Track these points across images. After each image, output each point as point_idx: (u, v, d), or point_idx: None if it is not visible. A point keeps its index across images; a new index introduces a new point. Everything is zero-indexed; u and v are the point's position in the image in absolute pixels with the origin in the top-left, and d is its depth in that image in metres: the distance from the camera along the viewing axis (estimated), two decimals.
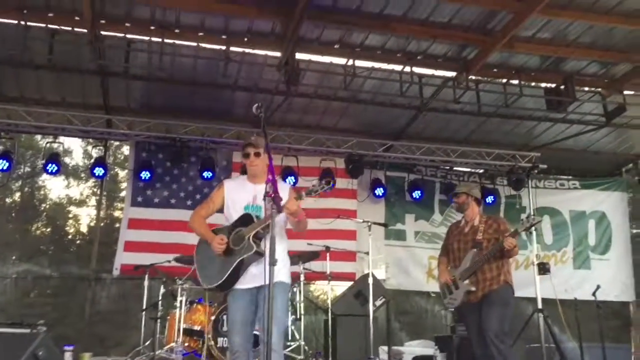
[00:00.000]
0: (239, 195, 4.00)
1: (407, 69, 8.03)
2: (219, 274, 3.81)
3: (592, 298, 8.47)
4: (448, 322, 8.31)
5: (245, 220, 3.85)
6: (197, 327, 6.30)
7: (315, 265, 7.69)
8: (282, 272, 3.80)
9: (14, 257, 17.03)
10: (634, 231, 11.59)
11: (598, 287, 8.52)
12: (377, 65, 8.07)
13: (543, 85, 8.52)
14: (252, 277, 3.79)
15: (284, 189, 3.94)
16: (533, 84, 8.56)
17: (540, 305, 9.22)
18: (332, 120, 9.54)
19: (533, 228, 5.12)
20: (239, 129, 8.71)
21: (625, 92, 8.51)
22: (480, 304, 5.05)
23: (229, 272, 3.78)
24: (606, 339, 8.61)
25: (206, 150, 8.93)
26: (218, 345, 6.18)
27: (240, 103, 8.86)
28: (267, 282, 3.37)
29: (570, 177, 10.88)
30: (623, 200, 10.99)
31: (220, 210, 4.06)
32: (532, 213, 10.05)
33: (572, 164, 10.76)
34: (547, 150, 9.83)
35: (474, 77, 8.25)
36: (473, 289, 5.08)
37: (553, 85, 8.33)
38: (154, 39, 7.33)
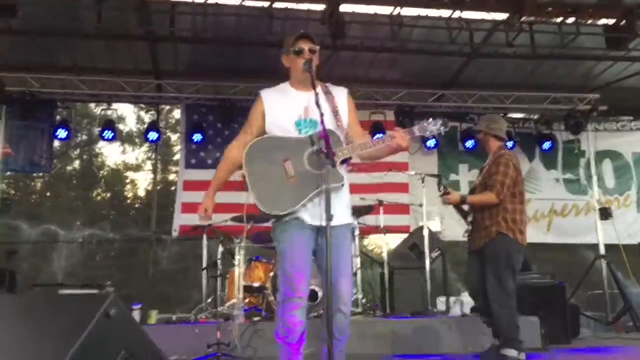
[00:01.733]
0: (284, 108, 3.17)
1: (456, 14, 7.76)
2: (291, 200, 3.01)
3: None
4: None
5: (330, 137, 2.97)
6: (256, 284, 6.43)
7: (369, 220, 7.68)
8: (348, 213, 3.19)
9: (78, 223, 17.76)
10: None
11: None
12: (424, 12, 7.83)
13: (601, 22, 8.08)
14: (318, 213, 2.98)
15: (340, 93, 3.27)
16: (590, 21, 8.12)
17: (602, 251, 9.03)
18: (380, 73, 9.37)
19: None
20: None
21: None
22: (480, 257, 4.80)
23: (306, 199, 3.01)
24: None
25: None
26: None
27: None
28: (338, 224, 2.91)
29: (632, 117, 10.40)
30: None
31: (263, 133, 3.20)
32: (591, 157, 9.74)
33: (634, 104, 10.25)
34: (607, 90, 9.41)
35: (526, 18, 7.88)
36: (464, 236, 4.93)
37: (612, 22, 7.89)
38: (196, 0, 7.31)
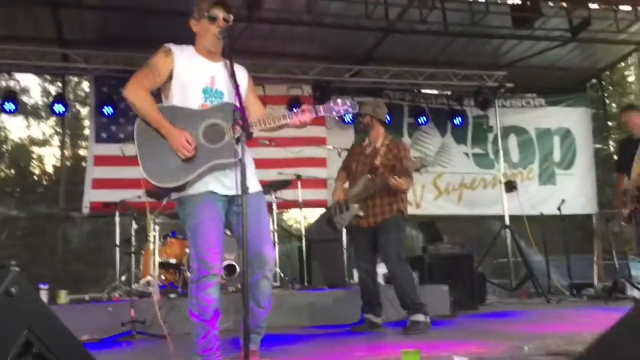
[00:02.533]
0: (193, 71, 3.07)
1: None
2: (182, 173, 2.93)
3: (557, 212, 8.76)
4: (420, 243, 8.51)
5: (227, 112, 2.95)
6: (172, 260, 6.32)
7: (287, 194, 7.70)
8: (256, 182, 3.14)
9: None
10: (597, 146, 11.84)
11: (563, 201, 8.80)
12: None
13: (509, 1, 8.40)
14: (221, 184, 3.01)
15: (241, 71, 3.23)
16: (499, 1, 8.43)
17: (507, 222, 9.52)
18: (297, 47, 9.31)
19: (425, 169, 4.94)
20: None
21: (590, 6, 8.45)
22: (375, 231, 5.03)
23: (198, 172, 2.95)
24: (570, 251, 8.98)
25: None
26: None
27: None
28: (251, 192, 2.87)
29: (535, 94, 10.95)
30: (587, 116, 11.17)
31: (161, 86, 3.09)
32: (498, 132, 10.19)
33: (538, 82, 10.80)
34: (513, 68, 9.81)
35: None
36: (361, 214, 5.04)
37: (519, 2, 8.22)
38: None
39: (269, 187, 7.25)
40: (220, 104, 3.05)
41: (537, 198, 10.34)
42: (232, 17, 3.13)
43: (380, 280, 7.22)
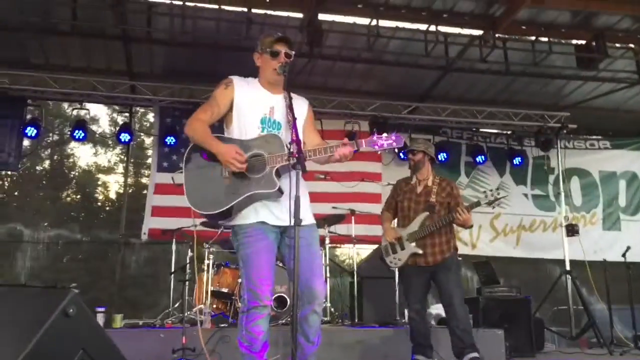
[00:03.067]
0: (253, 101, 3.15)
1: (432, 28, 7.88)
2: (221, 200, 2.98)
3: (622, 259, 8.37)
4: (475, 285, 8.30)
5: (271, 143, 3.03)
6: (224, 289, 6.38)
7: (340, 229, 7.70)
8: (310, 214, 3.14)
9: (45, 224, 17.43)
10: None
11: (628, 248, 8.41)
12: (401, 24, 7.93)
13: (573, 42, 8.28)
14: (273, 215, 3.05)
15: (302, 103, 3.32)
16: (563, 41, 8.31)
17: (568, 267, 9.17)
18: (356, 83, 9.44)
19: (497, 202, 4.84)
20: None
21: None
22: (434, 270, 4.97)
23: (236, 202, 2.99)
24: (635, 301, 8.53)
25: None
26: None
27: None
28: (304, 224, 2.86)
29: (600, 137, 10.64)
30: None
31: (223, 117, 3.22)
32: (560, 174, 9.92)
33: (603, 124, 10.50)
34: (576, 109, 9.61)
35: (501, 35, 8.03)
36: (420, 252, 4.97)
37: (584, 42, 8.08)
38: (175, 2, 7.28)
39: (323, 221, 7.26)
40: (266, 135, 3.11)
41: (600, 244, 9.93)
42: (293, 52, 3.24)
43: (432, 321, 7.10)
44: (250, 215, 3.05)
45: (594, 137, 10.66)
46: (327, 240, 7.32)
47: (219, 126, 3.28)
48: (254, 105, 3.17)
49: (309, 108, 3.39)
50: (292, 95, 3.13)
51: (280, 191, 2.95)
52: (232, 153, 2.96)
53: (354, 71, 9.07)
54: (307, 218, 3.07)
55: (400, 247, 5.13)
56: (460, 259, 5.27)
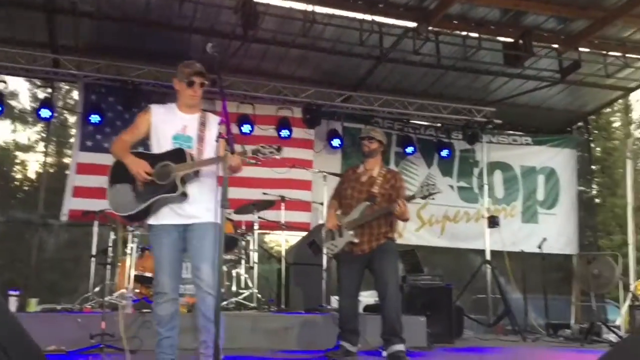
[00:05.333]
0: (167, 123, 3.70)
1: (368, 17, 7.89)
2: (133, 204, 3.58)
3: (538, 251, 8.78)
4: (400, 272, 8.45)
5: (177, 155, 3.56)
6: (148, 274, 6.20)
7: (269, 215, 7.66)
8: (212, 212, 3.56)
9: None
10: (580, 188, 11.94)
11: (544, 240, 8.83)
12: (337, 12, 7.90)
13: (501, 39, 8.51)
14: (177, 215, 3.60)
15: (213, 121, 3.72)
16: (492, 37, 8.53)
17: (488, 257, 9.52)
18: (290, 69, 9.37)
19: (431, 197, 4.97)
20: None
21: (581, 49, 8.60)
22: (368, 258, 5.01)
23: (145, 205, 3.57)
24: (548, 291, 8.98)
25: (159, 95, 8.60)
26: None
27: (195, 47, 8.53)
28: (197, 222, 3.54)
29: (522, 133, 11.06)
30: (572, 157, 11.26)
31: (146, 139, 3.75)
32: (484, 168, 10.26)
33: (526, 120, 10.93)
34: (502, 105, 9.93)
35: (434, 29, 8.16)
36: (356, 240, 5.00)
37: (511, 40, 8.34)
38: None
39: (252, 206, 7.20)
40: (175, 149, 3.60)
41: (519, 235, 10.36)
42: (208, 82, 3.74)
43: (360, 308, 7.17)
44: (158, 217, 3.62)
45: (517, 132, 11.08)
46: (256, 226, 7.27)
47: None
48: (168, 125, 3.68)
49: (218, 127, 3.66)
50: (207, 115, 3.77)
51: (184, 195, 3.53)
52: (138, 166, 3.54)
53: (289, 56, 9.00)
54: (205, 216, 3.57)
55: (338, 234, 5.13)
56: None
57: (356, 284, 5.15)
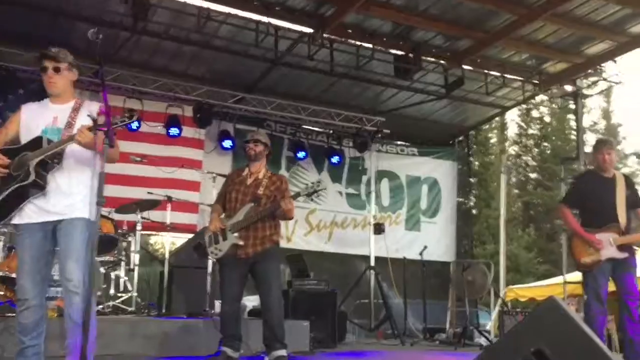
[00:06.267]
0: (38, 118, 3.49)
1: (264, 19, 7.84)
2: None
3: (419, 258, 9.12)
4: (286, 277, 8.46)
5: (35, 143, 3.34)
6: (14, 275, 5.72)
7: (155, 215, 7.37)
8: (82, 207, 3.35)
9: None
10: (459, 199, 12.59)
11: (425, 247, 9.20)
12: (233, 11, 7.77)
13: (393, 51, 8.78)
14: (45, 211, 3.35)
15: (91, 107, 3.48)
16: (384, 49, 8.78)
17: (372, 263, 9.76)
18: (183, 66, 9.11)
19: (316, 194, 5.03)
20: (78, 63, 7.95)
21: (465, 67, 9.07)
22: (253, 261, 4.94)
23: (2, 196, 3.34)
24: (427, 296, 9.35)
25: (38, 83, 8.02)
26: None
27: (81, 35, 8.00)
28: (66, 218, 3.31)
29: (409, 143, 11.46)
30: (453, 169, 11.83)
31: (15, 136, 3.53)
32: (372, 176, 10.53)
33: (413, 131, 11.33)
34: (391, 116, 10.23)
35: (329, 36, 8.27)
36: (241, 243, 4.92)
37: (402, 53, 8.63)
38: None
39: (135, 205, 6.89)
40: (32, 139, 3.38)
41: (402, 242, 10.71)
42: (63, 64, 3.52)
43: (244, 313, 7.07)
44: (22, 216, 3.36)
45: (404, 143, 11.47)
46: (139, 227, 6.95)
47: None
48: (37, 120, 3.47)
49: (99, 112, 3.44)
50: (86, 102, 3.58)
51: (37, 184, 3.28)
52: None
53: (182, 53, 8.73)
54: (73, 212, 3.33)
55: (222, 237, 5.00)
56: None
57: (239, 288, 5.05)
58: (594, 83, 10.05)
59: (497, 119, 18.68)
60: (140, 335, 5.47)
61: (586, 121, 31.41)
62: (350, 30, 8.32)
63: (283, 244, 9.44)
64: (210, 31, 7.94)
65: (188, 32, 7.96)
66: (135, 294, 6.63)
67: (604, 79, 9.55)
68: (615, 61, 8.85)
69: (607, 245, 5.10)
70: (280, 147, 10.14)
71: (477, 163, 24.23)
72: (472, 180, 15.70)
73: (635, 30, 8.11)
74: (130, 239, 6.89)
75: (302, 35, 8.19)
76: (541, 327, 2.57)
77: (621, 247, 5.13)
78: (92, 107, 3.46)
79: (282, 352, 4.81)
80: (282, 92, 9.67)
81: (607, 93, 32.10)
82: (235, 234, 4.94)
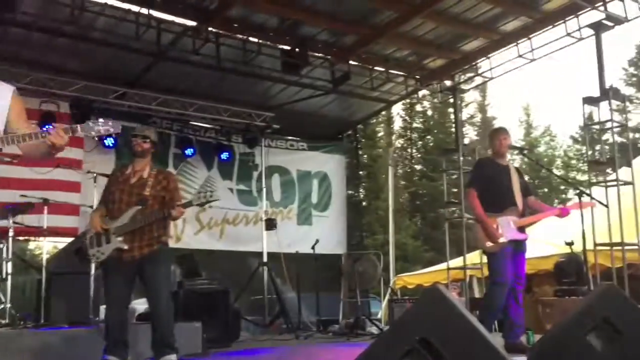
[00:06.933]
0: None
1: (145, 11, 7.51)
2: None
3: (312, 251, 9.22)
4: (177, 278, 8.22)
5: None
6: None
7: (30, 220, 6.87)
8: None
9: None
10: (349, 192, 12.86)
11: (317, 241, 9.30)
12: (110, 1, 7.39)
13: (280, 46, 8.76)
14: None
15: (6, 91, 3.10)
16: (271, 44, 8.73)
17: (265, 259, 9.73)
18: (58, 59, 8.52)
19: (208, 205, 4.96)
20: None
21: (351, 62, 9.24)
22: (140, 264, 4.74)
23: None
24: (320, 289, 9.46)
25: None
26: None
27: None
28: None
29: (299, 138, 11.52)
30: (342, 163, 12.05)
31: None
32: (263, 171, 10.48)
33: (302, 126, 11.39)
34: (280, 111, 10.22)
35: (214, 30, 8.10)
36: (126, 247, 4.70)
37: (289, 48, 8.63)
38: None
39: (5, 210, 6.38)
40: None
41: (295, 237, 10.76)
42: None
43: (132, 318, 6.77)
44: None
45: (294, 138, 11.51)
46: (12, 232, 6.44)
47: None
48: None
49: (13, 96, 3.11)
50: None
51: None
52: None
53: (55, 46, 8.16)
54: None
55: (105, 240, 4.73)
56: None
57: (125, 291, 4.82)
58: (470, 78, 10.61)
59: (383, 113, 19.33)
60: (16, 350, 5.09)
61: (465, 114, 33.30)
62: (236, 25, 8.19)
63: (172, 243, 9.15)
64: (86, 23, 7.50)
65: (61, 24, 7.47)
66: (8, 305, 6.16)
67: (479, 74, 10.09)
68: (488, 57, 9.37)
69: (509, 227, 5.44)
70: (167, 144, 9.82)
71: (365, 156, 24.95)
72: (361, 173, 16.14)
73: (506, 28, 8.63)
74: (1, 246, 6.37)
75: (186, 29, 7.95)
76: (425, 315, 2.65)
77: (521, 229, 5.51)
78: (5, 95, 3.07)
79: (172, 357, 4.66)
80: (167, 87, 9.34)
81: (482, 87, 34.34)
82: (120, 238, 4.70)
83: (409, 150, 31.74)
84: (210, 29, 7.90)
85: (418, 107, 31.69)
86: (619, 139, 13.68)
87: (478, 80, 10.47)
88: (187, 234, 9.83)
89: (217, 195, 5.03)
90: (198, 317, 6.43)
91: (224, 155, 10.09)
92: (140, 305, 7.71)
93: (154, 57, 8.56)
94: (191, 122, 9.93)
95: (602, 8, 7.37)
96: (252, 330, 9.08)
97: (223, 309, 7.03)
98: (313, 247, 9.24)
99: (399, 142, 31.85)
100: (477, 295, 10.35)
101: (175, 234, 9.60)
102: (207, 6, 7.64)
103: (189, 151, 9.74)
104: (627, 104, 7.81)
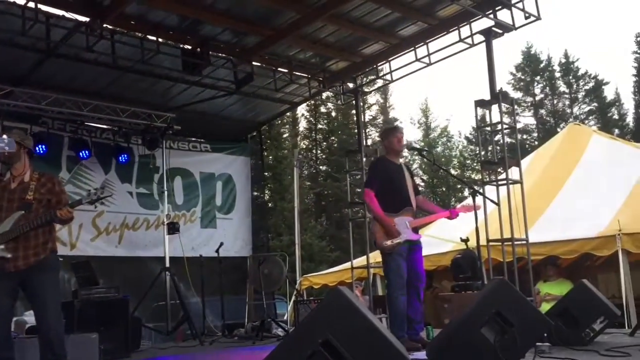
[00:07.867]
0: None
1: (31, 4, 7.04)
2: None
3: (216, 254, 9.06)
4: (72, 287, 7.81)
5: None
6: None
7: None
8: None
9: None
10: (255, 193, 12.75)
11: (221, 244, 9.19)
12: None
13: (181, 46, 8.53)
14: None
15: None
16: (171, 43, 8.47)
17: (168, 264, 9.45)
18: None
19: (100, 202, 4.76)
20: None
21: (254, 63, 9.16)
22: (26, 275, 4.45)
23: None
24: (226, 292, 9.32)
25: None
26: None
27: None
28: None
29: (202, 140, 11.31)
30: (246, 165, 11.94)
31: None
32: (164, 174, 10.17)
33: (205, 128, 11.18)
34: (182, 112, 9.97)
35: (109, 26, 7.74)
36: (9, 255, 4.40)
37: (190, 47, 8.42)
38: None
39: None
40: None
41: (198, 240, 10.57)
42: None
43: (20, 332, 6.35)
44: None
45: (197, 139, 11.27)
46: None
47: None
48: None
49: None
50: None
51: None
52: None
53: None
54: None
55: None
56: (61, 259, 4.89)
57: (8, 303, 4.47)
58: (372, 81, 10.82)
59: (288, 114, 19.38)
60: None
61: (367, 116, 34.09)
62: (133, 22, 7.87)
63: (66, 251, 8.84)
64: None
65: None
66: None
67: (380, 77, 10.32)
68: (389, 61, 9.60)
69: (404, 228, 5.57)
70: (59, 146, 9.33)
71: (270, 157, 24.93)
72: (266, 174, 16.08)
73: (404, 32, 8.88)
74: None
75: (79, 25, 7.52)
76: (328, 317, 2.66)
77: (415, 229, 5.66)
78: None
79: None
80: (59, 86, 8.83)
81: (384, 90, 35.33)
82: (2, 246, 4.37)
83: (314, 151, 32.08)
84: (105, 25, 7.51)
85: (322, 109, 32.12)
86: (508, 140, 14.47)
87: (379, 82, 10.69)
88: (82, 240, 9.38)
89: (110, 190, 4.79)
90: (95, 327, 6.17)
91: (123, 158, 9.70)
92: (30, 317, 7.26)
93: (44, 53, 8.06)
94: (86, 123, 9.45)
95: (492, 16, 7.73)
96: (155, 338, 8.79)
97: (122, 318, 6.78)
98: (217, 250, 9.10)
99: (304, 143, 32.11)
100: (380, 293, 10.58)
101: (70, 241, 9.15)
102: (100, 2, 7.27)
103: (83, 153, 9.29)
104: (516, 107, 8.27)
